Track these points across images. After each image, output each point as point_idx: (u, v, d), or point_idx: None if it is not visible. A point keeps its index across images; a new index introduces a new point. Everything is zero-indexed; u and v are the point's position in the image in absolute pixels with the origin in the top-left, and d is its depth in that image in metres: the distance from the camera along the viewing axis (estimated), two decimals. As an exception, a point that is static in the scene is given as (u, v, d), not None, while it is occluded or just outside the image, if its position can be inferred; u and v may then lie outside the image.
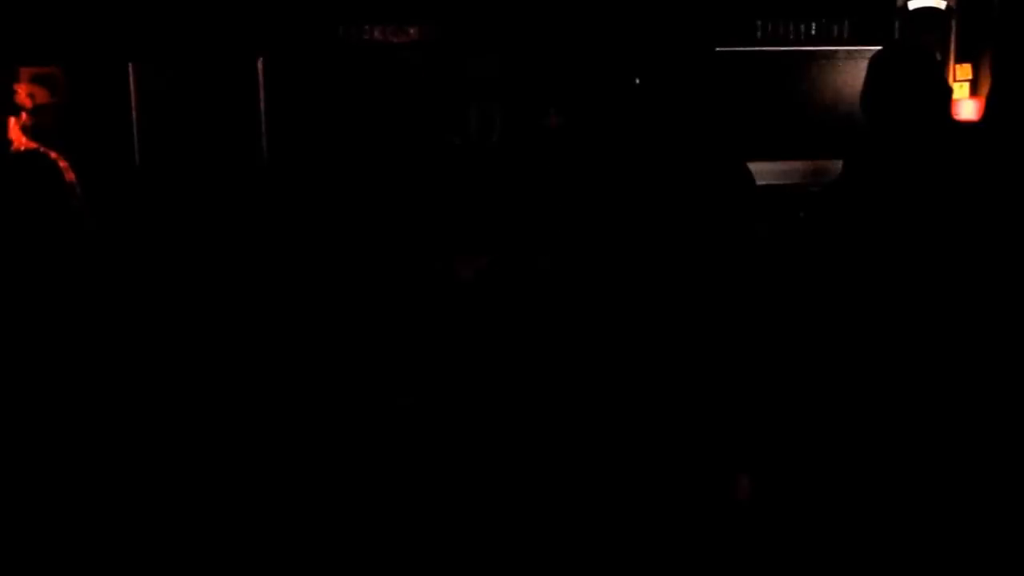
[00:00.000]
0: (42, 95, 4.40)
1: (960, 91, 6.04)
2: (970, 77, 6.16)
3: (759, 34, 5.44)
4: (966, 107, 5.96)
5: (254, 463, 3.88)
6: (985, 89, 6.13)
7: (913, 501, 3.21)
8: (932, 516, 3.13)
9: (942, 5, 5.93)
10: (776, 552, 3.27)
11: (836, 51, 5.50)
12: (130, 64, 4.73)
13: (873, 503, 3.33)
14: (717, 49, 5.11)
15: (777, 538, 3.29)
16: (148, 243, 4.32)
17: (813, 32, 5.54)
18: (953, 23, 6.03)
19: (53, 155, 4.32)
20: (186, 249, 4.33)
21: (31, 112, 4.33)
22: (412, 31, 4.87)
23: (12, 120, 4.33)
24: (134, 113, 4.73)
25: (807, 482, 3.44)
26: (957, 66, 6.17)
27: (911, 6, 5.92)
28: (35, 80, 4.43)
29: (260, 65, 4.76)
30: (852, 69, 5.40)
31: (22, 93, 4.39)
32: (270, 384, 4.13)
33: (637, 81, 4.49)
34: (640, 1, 5.04)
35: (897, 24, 5.93)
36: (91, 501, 3.69)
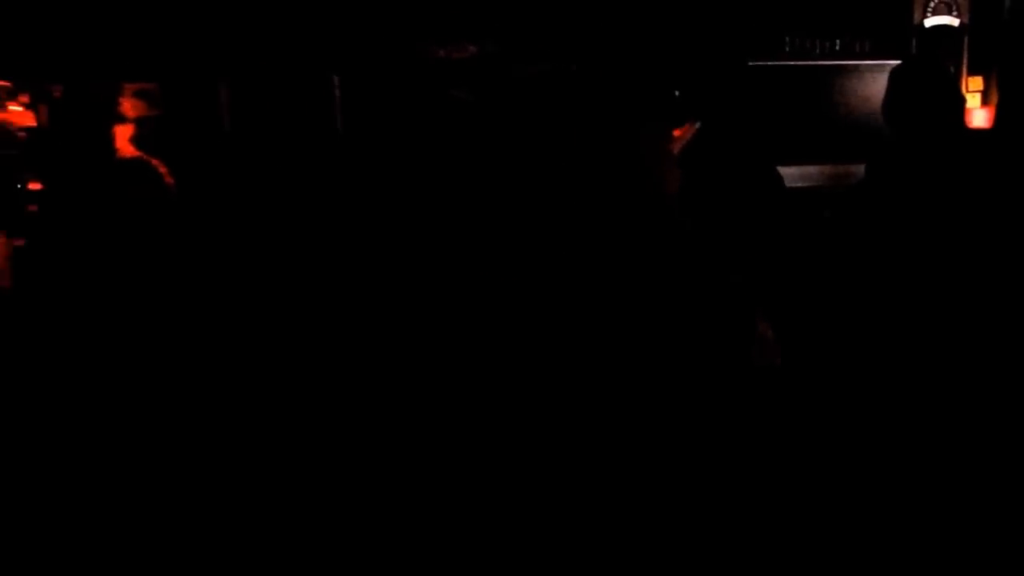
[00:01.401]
0: (143, 108, 4.66)
1: (972, 101, 6.15)
2: (981, 88, 6.28)
3: (787, 50, 5.55)
4: (978, 116, 6.06)
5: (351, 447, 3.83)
6: (995, 99, 6.31)
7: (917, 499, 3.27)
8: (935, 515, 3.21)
9: (955, 23, 6.06)
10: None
11: (858, 65, 5.58)
12: (220, 80, 5.03)
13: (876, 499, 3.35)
14: (749, 63, 5.22)
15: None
16: (237, 239, 4.57)
17: (836, 48, 5.63)
18: (965, 39, 6.11)
19: (154, 162, 4.59)
20: (272, 246, 4.57)
21: (134, 123, 4.62)
22: (472, 48, 5.17)
23: (118, 129, 4.62)
24: (225, 123, 5.04)
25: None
26: (969, 78, 6.29)
27: (927, 24, 6.04)
28: (137, 95, 4.69)
29: (336, 81, 5.01)
30: (872, 81, 5.55)
31: (127, 106, 4.69)
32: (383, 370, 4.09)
33: (677, 93, 4.71)
34: (681, 22, 5.31)
35: (914, 40, 6.09)
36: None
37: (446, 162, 4.54)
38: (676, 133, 3.95)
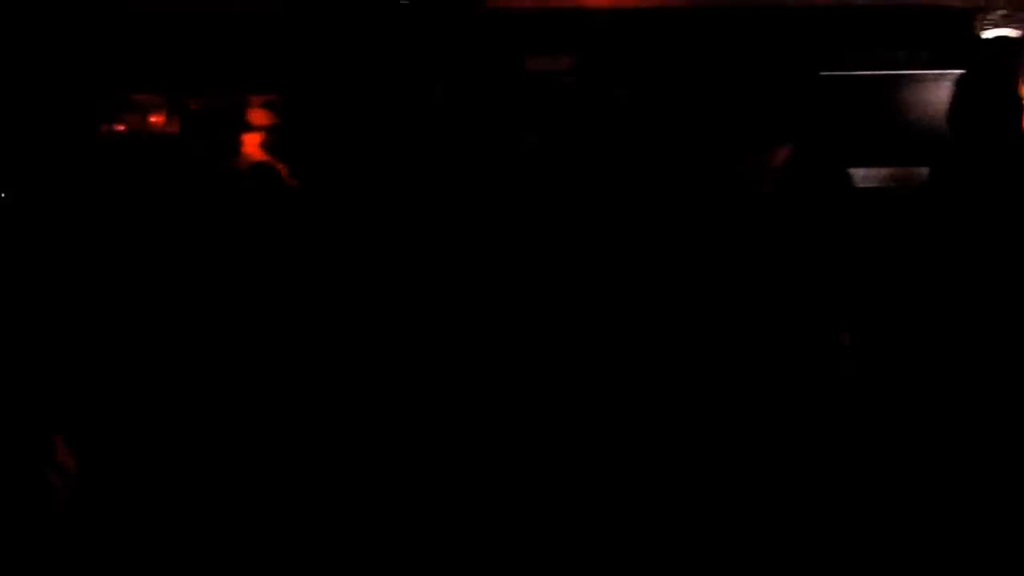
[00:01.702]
0: (268, 118, 5.06)
1: (1031, 110, 6.37)
2: (1039, 97, 6.50)
3: (854, 61, 5.71)
4: (1036, 124, 6.29)
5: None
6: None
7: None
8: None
9: (1014, 34, 6.25)
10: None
11: (920, 75, 5.74)
12: (335, 92, 5.35)
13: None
14: (820, 74, 5.49)
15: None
16: (351, 236, 4.87)
17: (900, 59, 5.79)
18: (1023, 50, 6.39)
19: (278, 166, 5.00)
20: (383, 243, 4.84)
21: (260, 131, 5.00)
22: (565, 59, 5.40)
23: (246, 137, 5.02)
24: (336, 130, 5.36)
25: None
26: (1027, 88, 6.51)
27: (985, 36, 6.24)
28: (263, 106, 5.09)
29: (437, 90, 5.31)
30: (934, 90, 5.68)
31: (253, 116, 5.08)
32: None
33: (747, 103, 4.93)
34: (755, 36, 5.54)
35: (974, 51, 6.29)
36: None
37: (544, 169, 4.80)
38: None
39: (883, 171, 5.34)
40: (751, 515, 3.49)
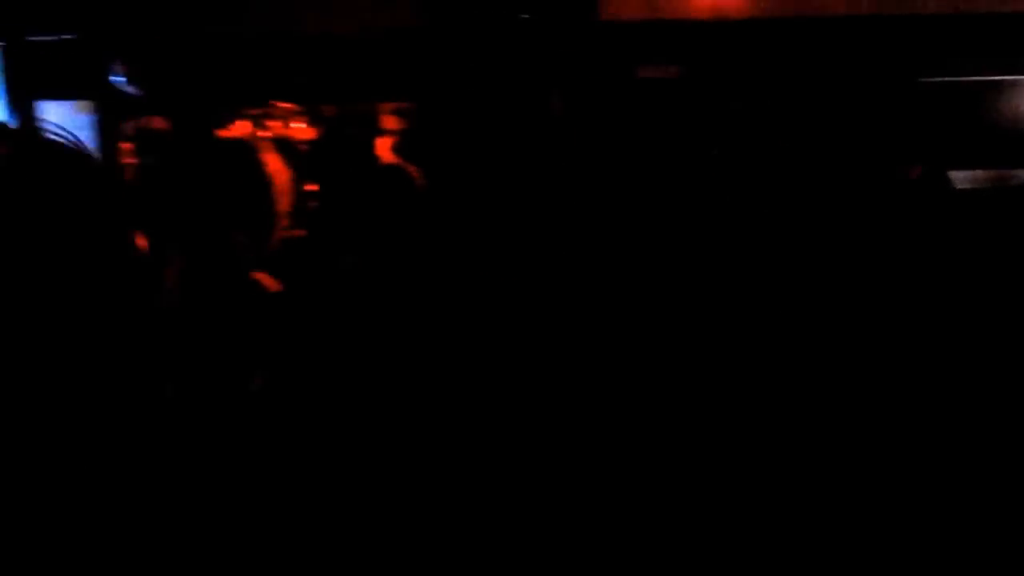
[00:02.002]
0: (399, 123, 5.44)
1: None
2: None
3: (954, 67, 5.75)
4: None
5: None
6: None
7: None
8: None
9: None
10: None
11: (1016, 80, 5.83)
12: (462, 99, 5.74)
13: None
14: (922, 80, 5.62)
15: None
16: (477, 236, 5.17)
17: (999, 65, 5.80)
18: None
19: (409, 168, 5.37)
20: (507, 243, 5.09)
21: (393, 135, 5.40)
22: (674, 68, 5.68)
23: (381, 141, 5.42)
24: (463, 135, 5.73)
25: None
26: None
27: None
28: (394, 112, 5.49)
29: (555, 97, 5.60)
30: None
31: (386, 121, 5.48)
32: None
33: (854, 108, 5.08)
34: (858, 45, 5.72)
35: None
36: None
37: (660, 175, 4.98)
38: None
39: (981, 173, 5.41)
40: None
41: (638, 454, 3.68)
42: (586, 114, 5.54)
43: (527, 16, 5.57)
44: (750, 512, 3.28)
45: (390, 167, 5.18)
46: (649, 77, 5.57)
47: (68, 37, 6.15)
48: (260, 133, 5.80)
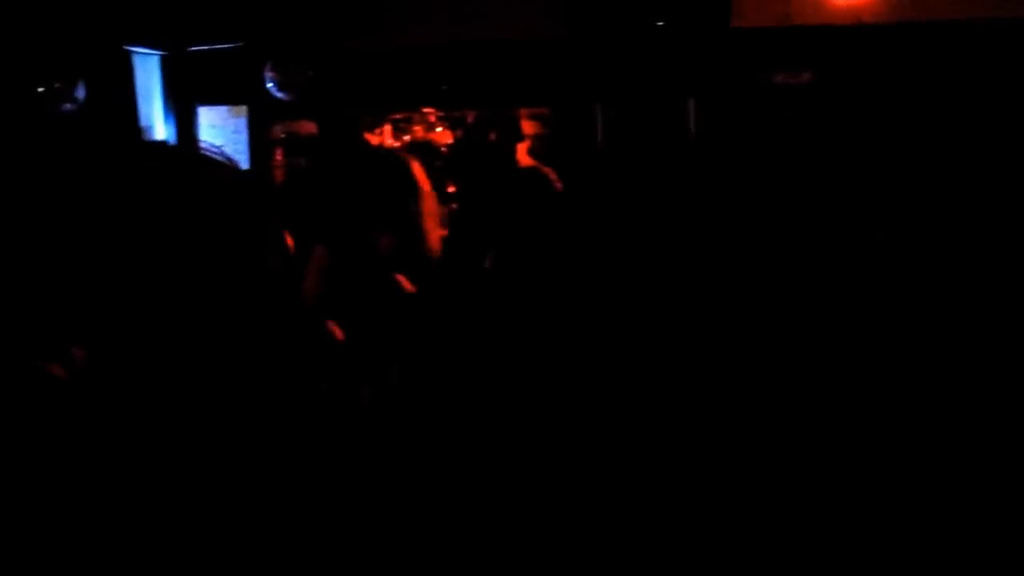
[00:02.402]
0: (537, 128, 5.63)
1: None
2: None
3: None
4: None
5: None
6: None
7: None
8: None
9: None
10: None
11: None
12: (597, 105, 5.96)
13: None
14: None
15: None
16: (611, 237, 5.29)
17: None
18: None
19: (546, 170, 5.53)
20: (637, 242, 5.19)
21: (530, 139, 5.58)
22: (807, 74, 5.74)
23: (519, 145, 5.61)
24: (599, 140, 5.94)
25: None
26: None
27: None
28: (532, 117, 5.68)
29: (691, 105, 5.76)
30: None
31: (525, 126, 5.68)
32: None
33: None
34: (994, 49, 5.61)
35: None
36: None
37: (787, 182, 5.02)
38: None
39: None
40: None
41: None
42: (720, 120, 5.63)
43: (662, 23, 5.69)
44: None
45: (528, 170, 5.39)
46: (782, 83, 5.63)
47: (225, 47, 6.51)
48: (404, 138, 6.04)
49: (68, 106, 6.24)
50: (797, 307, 4.40)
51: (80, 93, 6.24)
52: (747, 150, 5.34)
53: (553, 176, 5.21)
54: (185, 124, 6.89)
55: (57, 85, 6.17)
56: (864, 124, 5.37)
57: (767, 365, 3.98)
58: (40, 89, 6.09)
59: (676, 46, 5.79)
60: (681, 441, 3.42)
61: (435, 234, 5.49)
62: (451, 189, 5.56)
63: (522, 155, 5.36)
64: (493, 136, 5.61)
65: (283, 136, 6.23)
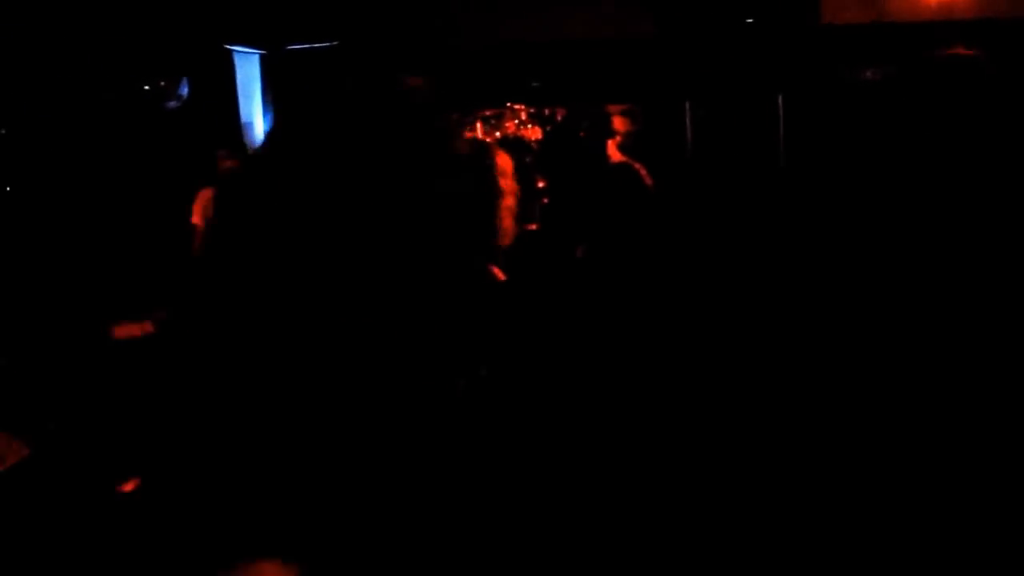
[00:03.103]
0: (627, 124, 5.68)
1: None
2: None
3: None
4: None
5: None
6: None
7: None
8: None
9: None
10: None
11: None
12: (686, 102, 6.02)
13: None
14: None
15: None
16: (699, 232, 5.36)
17: None
18: None
19: (637, 166, 5.59)
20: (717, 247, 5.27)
21: (621, 135, 5.63)
22: (896, 72, 5.62)
23: (610, 142, 5.66)
24: (688, 136, 6.01)
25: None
26: None
27: None
28: (623, 114, 5.73)
29: (780, 101, 5.79)
30: None
31: (616, 122, 5.73)
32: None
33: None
34: None
35: None
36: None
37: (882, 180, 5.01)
38: None
39: None
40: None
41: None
42: (810, 117, 5.65)
43: (751, 21, 5.73)
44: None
45: (619, 166, 5.46)
46: (872, 80, 5.63)
47: (322, 46, 6.69)
48: (494, 134, 6.15)
49: (172, 103, 6.49)
50: (892, 306, 4.47)
51: (184, 90, 6.48)
52: (837, 147, 5.35)
53: (643, 172, 5.32)
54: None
55: (162, 83, 6.41)
56: (955, 121, 5.34)
57: (876, 363, 4.16)
58: (146, 87, 6.33)
59: (765, 43, 5.80)
60: (785, 431, 3.57)
61: (508, 224, 5.60)
62: (541, 184, 5.65)
63: (613, 151, 5.39)
64: (584, 132, 5.68)
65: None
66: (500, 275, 3.93)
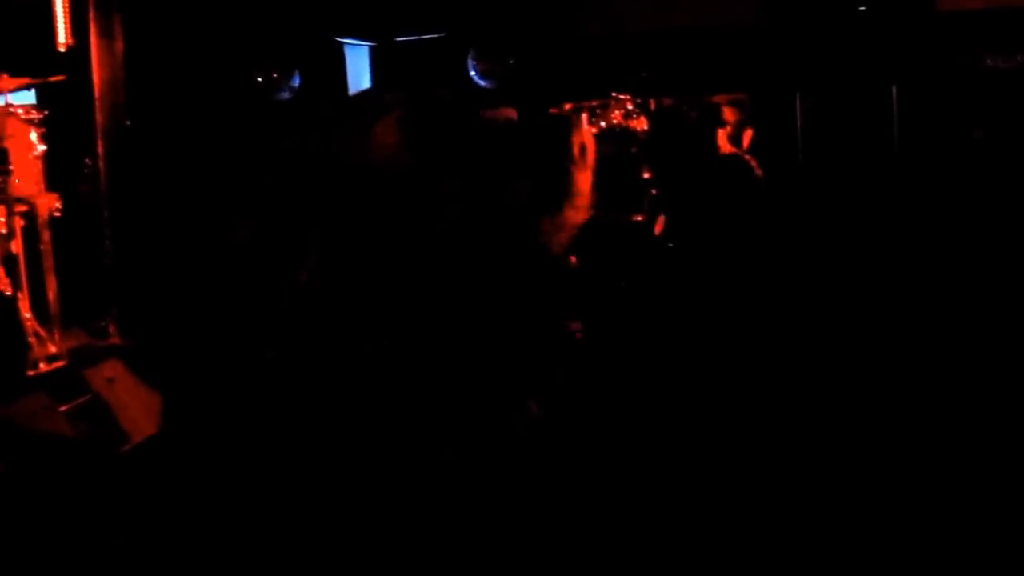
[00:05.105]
0: (736, 115, 5.63)
1: None
2: None
3: None
4: None
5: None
6: None
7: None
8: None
9: None
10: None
11: None
12: (797, 93, 5.86)
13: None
14: None
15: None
16: (808, 227, 5.27)
17: None
18: None
19: (747, 157, 5.54)
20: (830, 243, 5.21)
21: (731, 126, 5.58)
22: (1018, 58, 5.45)
23: (720, 132, 5.61)
24: (799, 127, 5.90)
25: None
26: None
27: None
28: (731, 104, 5.67)
29: (894, 91, 5.60)
30: None
31: (725, 113, 5.68)
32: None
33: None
34: None
35: None
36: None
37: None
38: None
39: None
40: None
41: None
42: (925, 107, 5.51)
43: (864, 8, 5.60)
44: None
45: (729, 157, 5.40)
46: (991, 68, 5.45)
47: (430, 37, 6.75)
48: (600, 124, 6.11)
49: (284, 94, 6.61)
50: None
51: (295, 82, 6.60)
52: (954, 140, 5.21)
53: (754, 163, 5.26)
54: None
55: (274, 75, 6.54)
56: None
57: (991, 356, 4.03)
58: (259, 79, 6.46)
59: (879, 31, 5.66)
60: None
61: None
62: (647, 175, 5.59)
63: (723, 142, 5.34)
64: (693, 123, 5.63)
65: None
66: (575, 264, 3.90)
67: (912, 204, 4.97)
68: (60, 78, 4.38)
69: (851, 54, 5.68)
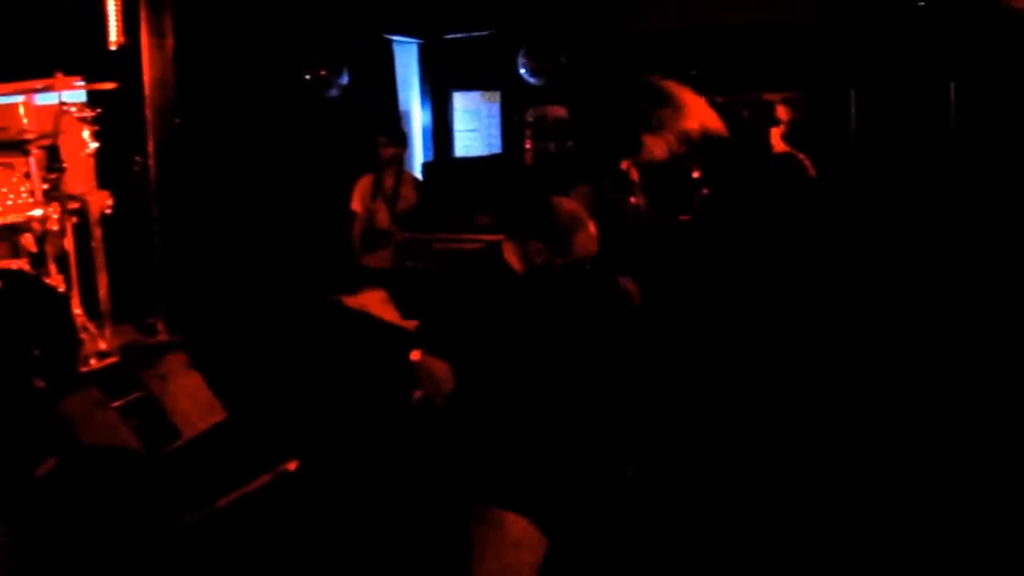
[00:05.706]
0: (790, 113, 5.54)
1: None
2: None
3: None
4: None
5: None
6: None
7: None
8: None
9: None
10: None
11: None
12: (851, 90, 5.75)
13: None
14: None
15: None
16: (860, 224, 5.17)
17: None
18: None
19: (800, 156, 5.45)
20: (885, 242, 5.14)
21: (784, 124, 5.49)
22: None
23: (773, 130, 5.53)
24: (853, 126, 5.80)
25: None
26: None
27: None
28: (785, 102, 5.59)
29: (952, 88, 5.49)
30: None
31: (778, 111, 5.59)
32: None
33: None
34: None
35: None
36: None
37: None
38: None
39: None
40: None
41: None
42: (985, 106, 5.38)
43: (923, 4, 5.49)
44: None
45: (782, 155, 5.30)
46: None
47: (479, 35, 6.73)
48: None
49: (333, 91, 6.62)
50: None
51: (344, 79, 6.61)
52: (1014, 139, 5.09)
53: (807, 162, 5.17)
54: (441, 108, 7.16)
55: (323, 72, 6.55)
56: None
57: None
58: (308, 76, 6.47)
59: (937, 28, 5.55)
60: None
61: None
62: (696, 175, 5.52)
63: (776, 140, 5.26)
64: (746, 121, 5.55)
65: (533, 119, 6.36)
66: (633, 289, 3.86)
67: (969, 204, 4.84)
68: (112, 86, 4.41)
69: (908, 50, 5.56)
